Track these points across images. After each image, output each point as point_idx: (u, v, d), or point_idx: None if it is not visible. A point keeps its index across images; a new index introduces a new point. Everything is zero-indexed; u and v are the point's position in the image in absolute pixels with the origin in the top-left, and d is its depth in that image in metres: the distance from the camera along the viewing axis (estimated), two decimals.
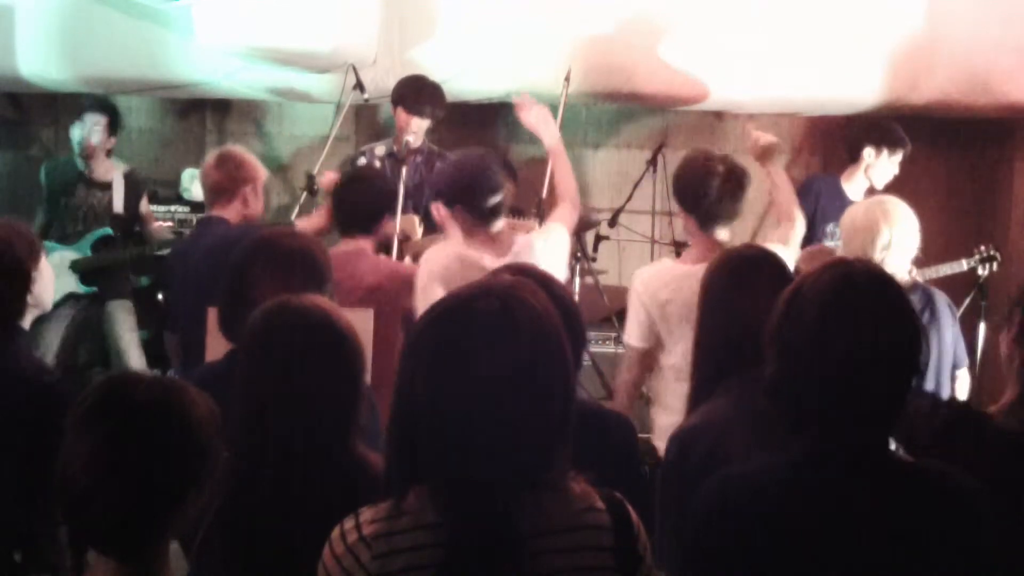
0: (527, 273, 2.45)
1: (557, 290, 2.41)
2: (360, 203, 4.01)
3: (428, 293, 3.58)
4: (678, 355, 3.47)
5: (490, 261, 3.55)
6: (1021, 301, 2.40)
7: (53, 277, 2.94)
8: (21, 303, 2.79)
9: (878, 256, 3.49)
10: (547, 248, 3.76)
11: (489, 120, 6.65)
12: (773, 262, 2.55)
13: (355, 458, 2.14)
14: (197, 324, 3.88)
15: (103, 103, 5.55)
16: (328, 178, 4.55)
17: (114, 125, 5.57)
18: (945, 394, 3.61)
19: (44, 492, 2.54)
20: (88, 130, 5.45)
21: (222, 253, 3.80)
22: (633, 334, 3.62)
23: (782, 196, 3.90)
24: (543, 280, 2.41)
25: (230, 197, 4.12)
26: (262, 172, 4.24)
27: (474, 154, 3.90)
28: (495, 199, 3.66)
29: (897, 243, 3.55)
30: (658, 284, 3.57)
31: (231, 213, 4.11)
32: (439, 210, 3.76)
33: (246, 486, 2.07)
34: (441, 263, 3.68)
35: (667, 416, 3.40)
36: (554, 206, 4.10)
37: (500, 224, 3.72)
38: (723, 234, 3.59)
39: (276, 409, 2.10)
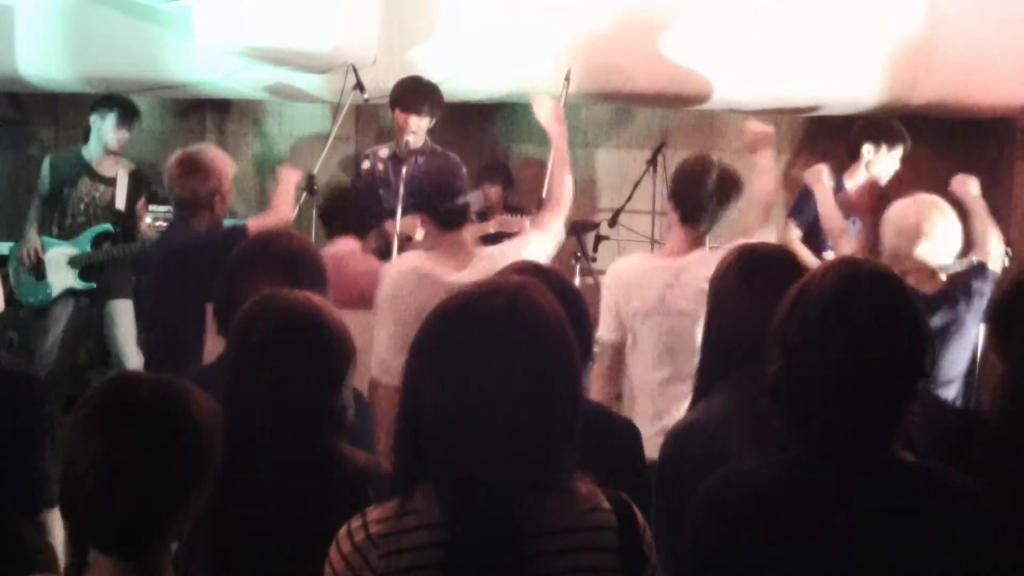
0: (537, 271, 2.45)
1: (564, 288, 2.40)
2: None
3: (380, 315, 3.54)
4: (646, 350, 3.50)
5: (449, 275, 3.50)
6: (990, 312, 2.42)
7: None
8: None
9: (918, 251, 3.60)
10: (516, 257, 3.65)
11: (489, 120, 6.66)
12: (785, 259, 2.52)
13: (336, 454, 2.13)
14: (163, 324, 3.90)
15: (131, 111, 5.50)
16: (288, 174, 4.51)
17: (133, 129, 5.58)
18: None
19: (26, 482, 2.54)
20: (119, 133, 5.43)
21: (188, 257, 3.83)
22: (612, 328, 3.56)
23: (762, 180, 3.92)
24: (553, 278, 2.41)
25: (200, 207, 4.09)
26: (228, 172, 4.17)
27: (439, 158, 3.88)
28: (456, 204, 3.61)
29: (938, 239, 3.64)
30: (628, 277, 3.56)
31: (200, 222, 4.09)
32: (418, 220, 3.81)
33: (224, 481, 2.07)
34: (393, 279, 3.61)
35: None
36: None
37: (465, 232, 3.66)
38: (699, 235, 3.54)
39: (256, 401, 2.10)
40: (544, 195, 4.52)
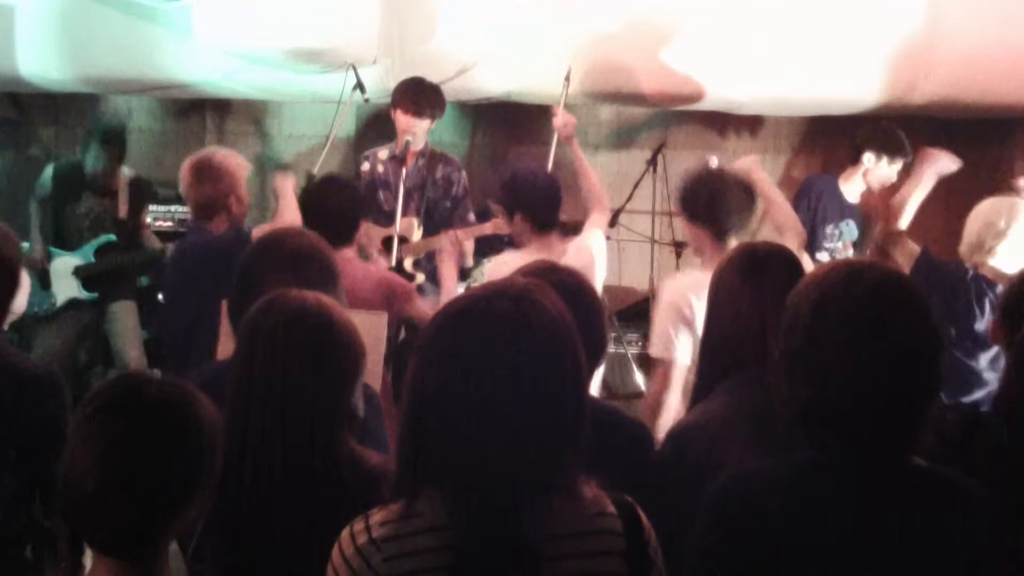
0: (554, 271, 2.44)
1: (580, 287, 2.39)
2: (337, 215, 3.89)
3: None
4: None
5: None
6: (1000, 307, 2.41)
7: (28, 284, 2.94)
8: (6, 306, 2.77)
9: (1000, 247, 3.76)
10: (593, 249, 4.04)
11: (489, 120, 6.66)
12: (786, 259, 2.49)
13: (347, 455, 2.12)
14: (185, 328, 3.90)
15: (110, 137, 5.48)
16: (282, 180, 4.42)
17: (121, 154, 5.55)
18: None
19: (45, 484, 2.55)
20: (103, 161, 5.41)
21: (210, 260, 3.83)
22: (672, 346, 3.45)
23: (779, 213, 3.96)
24: (569, 278, 2.40)
25: (216, 210, 4.09)
26: (243, 172, 4.17)
27: (533, 164, 4.22)
28: (555, 210, 4.00)
29: (1013, 239, 3.76)
30: (697, 292, 3.46)
31: (217, 225, 4.09)
32: (499, 215, 4.09)
33: (235, 481, 2.07)
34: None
35: None
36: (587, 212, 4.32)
37: (555, 234, 4.02)
38: (735, 244, 3.58)
39: (264, 401, 2.09)
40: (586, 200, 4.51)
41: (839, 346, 1.70)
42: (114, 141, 5.45)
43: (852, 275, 1.76)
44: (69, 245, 5.46)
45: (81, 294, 5.43)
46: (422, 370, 1.62)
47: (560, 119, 4.54)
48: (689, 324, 3.42)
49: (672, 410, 3.45)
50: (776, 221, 3.92)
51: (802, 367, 1.74)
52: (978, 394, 3.75)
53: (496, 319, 1.59)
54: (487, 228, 4.73)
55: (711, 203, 3.53)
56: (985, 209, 3.84)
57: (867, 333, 1.70)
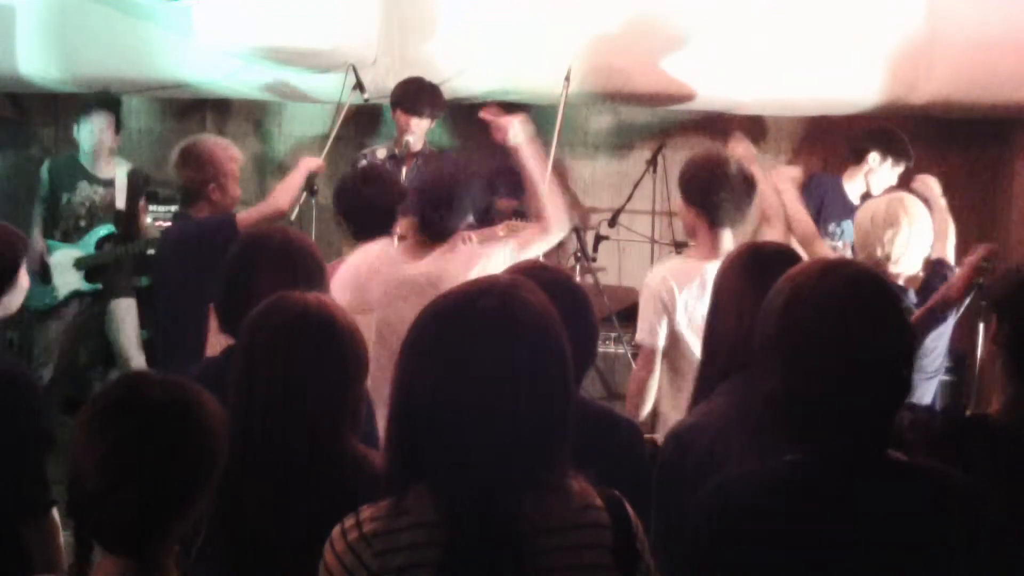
0: (543, 270, 2.44)
1: (570, 288, 2.40)
2: (379, 204, 3.91)
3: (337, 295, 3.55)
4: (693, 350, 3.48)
5: (408, 266, 3.62)
6: (997, 305, 2.40)
7: (27, 287, 2.95)
8: None
9: (892, 250, 3.64)
10: (461, 262, 3.63)
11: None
12: (790, 260, 2.49)
13: (350, 455, 2.13)
14: (171, 321, 3.92)
15: (108, 101, 5.50)
16: (306, 163, 4.50)
17: (119, 123, 5.55)
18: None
19: (25, 485, 2.54)
20: (99, 131, 5.41)
21: (184, 250, 3.85)
22: (654, 332, 3.54)
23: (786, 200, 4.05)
24: (558, 278, 2.40)
25: (196, 197, 4.11)
26: (230, 163, 4.17)
27: (453, 164, 3.98)
28: (438, 213, 3.67)
29: (914, 240, 3.66)
30: (678, 280, 3.55)
31: (198, 212, 4.11)
32: None
33: (237, 481, 2.07)
34: (356, 263, 3.71)
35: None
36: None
37: (440, 236, 3.68)
38: (728, 236, 3.57)
39: (267, 402, 2.10)
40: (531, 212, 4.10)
41: (809, 338, 1.72)
42: (111, 108, 5.43)
43: (825, 270, 1.79)
44: (67, 236, 5.45)
45: (83, 286, 5.42)
46: (409, 367, 1.63)
47: (509, 131, 4.11)
48: (668, 310, 3.52)
49: (654, 393, 3.54)
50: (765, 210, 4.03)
51: (773, 359, 1.76)
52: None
53: (482, 316, 1.60)
54: (498, 231, 4.72)
55: (710, 187, 3.53)
56: (865, 220, 3.73)
57: (837, 326, 1.71)
